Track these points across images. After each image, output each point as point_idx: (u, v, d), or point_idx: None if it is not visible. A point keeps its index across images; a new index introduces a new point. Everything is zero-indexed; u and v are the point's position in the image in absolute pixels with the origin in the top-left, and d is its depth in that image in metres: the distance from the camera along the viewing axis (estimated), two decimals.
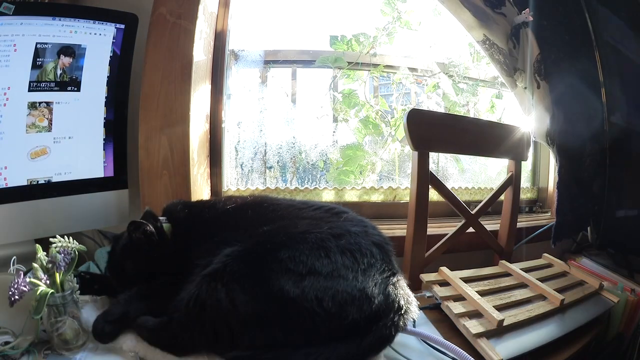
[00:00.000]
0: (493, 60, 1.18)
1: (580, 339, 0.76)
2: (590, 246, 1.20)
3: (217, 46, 1.09)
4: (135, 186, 0.90)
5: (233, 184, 1.21)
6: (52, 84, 0.76)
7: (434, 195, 0.96)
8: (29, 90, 0.74)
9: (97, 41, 0.81)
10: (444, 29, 1.46)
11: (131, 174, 0.91)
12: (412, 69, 1.44)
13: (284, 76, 1.33)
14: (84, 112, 0.82)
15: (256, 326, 0.48)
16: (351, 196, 1.24)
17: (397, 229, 1.06)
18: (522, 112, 1.23)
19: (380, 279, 0.53)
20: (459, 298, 0.76)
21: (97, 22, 0.80)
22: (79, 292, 0.55)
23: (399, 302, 0.54)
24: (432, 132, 0.93)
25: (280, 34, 1.34)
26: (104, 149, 0.85)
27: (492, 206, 1.05)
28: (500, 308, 0.71)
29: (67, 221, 0.82)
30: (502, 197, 1.07)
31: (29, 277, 0.48)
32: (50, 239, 0.54)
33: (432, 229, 0.98)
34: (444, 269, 0.86)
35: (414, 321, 0.66)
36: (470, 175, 1.54)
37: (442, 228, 1.10)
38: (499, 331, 0.67)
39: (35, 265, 0.50)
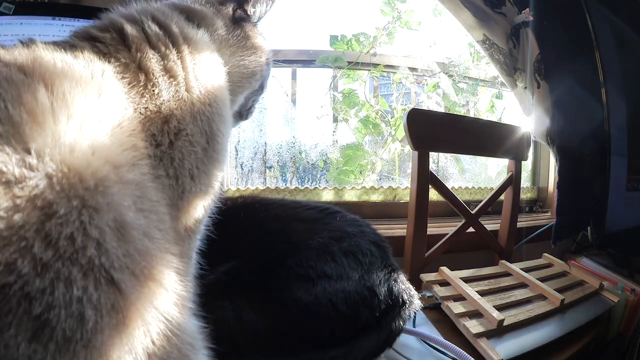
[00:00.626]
0: (493, 60, 1.18)
1: (580, 339, 0.76)
2: (590, 246, 1.20)
3: None
4: None
5: (233, 183, 1.21)
6: None
7: (434, 195, 0.96)
8: None
9: None
10: (444, 29, 1.47)
11: None
12: (412, 69, 1.44)
13: (284, 76, 1.33)
14: None
15: (268, 343, 0.45)
16: (351, 196, 1.24)
17: (397, 229, 1.06)
18: (522, 111, 1.23)
19: (382, 276, 0.54)
20: (459, 298, 0.76)
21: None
22: None
23: (402, 296, 0.54)
24: (432, 132, 0.92)
25: (280, 33, 1.34)
26: None
27: (492, 206, 1.05)
28: (500, 308, 0.71)
29: None
30: (502, 197, 1.07)
31: None
32: None
33: (432, 229, 0.97)
34: (444, 269, 0.86)
35: (414, 321, 0.67)
36: (470, 175, 1.54)
37: (442, 228, 1.10)
38: (499, 331, 0.67)
39: None
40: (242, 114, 0.58)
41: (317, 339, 0.47)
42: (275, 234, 0.57)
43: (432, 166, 0.97)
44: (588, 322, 0.79)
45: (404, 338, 0.61)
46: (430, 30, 1.47)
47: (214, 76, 0.40)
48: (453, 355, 0.58)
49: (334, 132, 1.37)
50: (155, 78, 0.34)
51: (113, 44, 0.35)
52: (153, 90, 0.34)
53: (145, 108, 0.33)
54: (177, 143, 0.34)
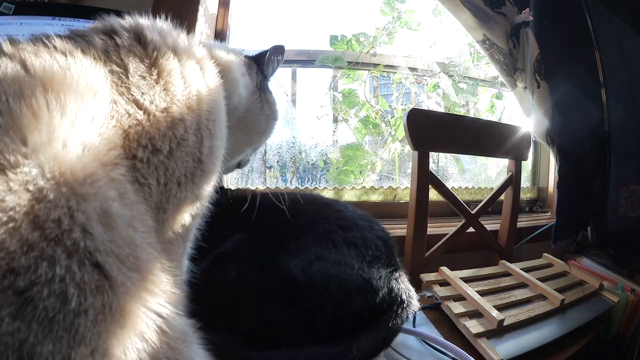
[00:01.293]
0: (493, 60, 1.18)
1: (580, 339, 0.76)
2: (590, 246, 1.20)
3: None
4: None
5: (233, 183, 1.21)
6: None
7: (434, 195, 0.96)
8: None
9: None
10: (444, 29, 1.47)
11: None
12: (412, 69, 1.44)
13: (284, 76, 1.33)
14: None
15: (262, 302, 0.49)
16: (351, 196, 1.23)
17: (397, 229, 1.06)
18: (522, 112, 1.23)
19: (384, 272, 0.55)
20: (459, 298, 0.76)
21: (97, 22, 0.80)
22: None
23: (401, 296, 0.55)
24: (432, 132, 0.93)
25: (280, 33, 1.34)
26: None
27: (492, 206, 1.05)
28: (500, 308, 0.71)
29: None
30: (502, 197, 1.07)
31: None
32: None
33: (432, 229, 0.98)
34: (444, 268, 0.86)
35: (414, 321, 0.66)
36: (470, 175, 1.54)
37: (442, 228, 1.10)
38: (499, 331, 0.67)
39: None
40: (240, 165, 0.63)
41: (305, 312, 0.49)
42: (285, 218, 0.59)
43: (432, 166, 0.97)
44: (588, 322, 0.79)
45: (404, 338, 0.61)
46: (430, 30, 1.47)
47: (217, 96, 0.42)
48: (453, 355, 0.58)
49: (334, 132, 1.37)
50: (171, 77, 0.36)
51: (128, 42, 0.36)
52: (165, 88, 0.35)
53: (151, 102, 0.34)
54: (177, 153, 0.35)
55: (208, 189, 0.41)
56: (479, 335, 0.65)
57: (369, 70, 1.38)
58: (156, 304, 0.28)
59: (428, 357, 0.60)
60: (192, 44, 0.42)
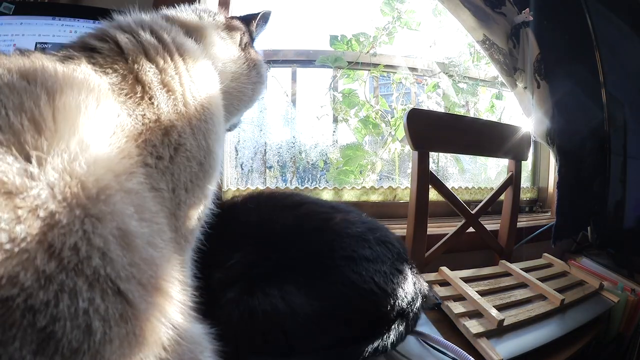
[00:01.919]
0: (493, 60, 1.18)
1: (580, 339, 0.76)
2: (590, 246, 1.20)
3: None
4: None
5: (233, 183, 1.21)
6: None
7: (434, 195, 0.96)
8: None
9: None
10: (444, 29, 1.47)
11: None
12: (412, 69, 1.44)
13: (284, 76, 1.33)
14: None
15: (318, 326, 0.47)
16: (351, 196, 1.23)
17: (397, 229, 1.06)
18: (522, 112, 1.23)
19: (406, 266, 0.57)
20: (459, 298, 0.76)
21: (97, 22, 0.80)
22: None
23: (421, 289, 0.58)
24: (432, 132, 0.92)
25: (280, 33, 1.34)
26: None
27: (492, 206, 1.05)
28: (500, 308, 0.71)
29: None
30: (502, 197, 1.07)
31: None
32: None
33: (432, 229, 0.98)
34: (444, 269, 0.86)
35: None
36: (470, 175, 1.54)
37: (442, 228, 1.10)
38: (499, 331, 0.67)
39: None
40: (231, 128, 0.60)
41: (361, 320, 0.49)
42: (315, 226, 0.59)
43: (432, 166, 0.96)
44: (588, 322, 0.79)
45: None
46: (430, 30, 1.47)
47: (211, 94, 0.41)
48: (453, 355, 0.58)
49: (334, 132, 1.37)
50: (153, 90, 0.35)
51: (110, 54, 0.35)
52: (151, 102, 0.34)
53: (143, 115, 0.33)
54: (177, 158, 0.34)
55: (212, 189, 0.41)
56: (479, 335, 0.65)
57: (369, 70, 1.38)
58: (176, 316, 0.28)
59: (428, 357, 0.60)
60: (167, 39, 0.39)
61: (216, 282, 0.50)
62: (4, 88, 0.24)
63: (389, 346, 0.50)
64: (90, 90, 0.29)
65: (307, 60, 1.35)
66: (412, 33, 1.41)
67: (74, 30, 0.78)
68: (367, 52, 1.35)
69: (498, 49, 1.15)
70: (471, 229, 1.01)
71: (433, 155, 1.29)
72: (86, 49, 0.35)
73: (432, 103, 1.48)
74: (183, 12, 0.49)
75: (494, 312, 0.68)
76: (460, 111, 1.47)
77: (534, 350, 0.66)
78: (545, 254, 1.05)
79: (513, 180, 1.06)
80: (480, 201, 1.06)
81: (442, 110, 1.46)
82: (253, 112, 1.26)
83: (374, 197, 1.26)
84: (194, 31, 0.45)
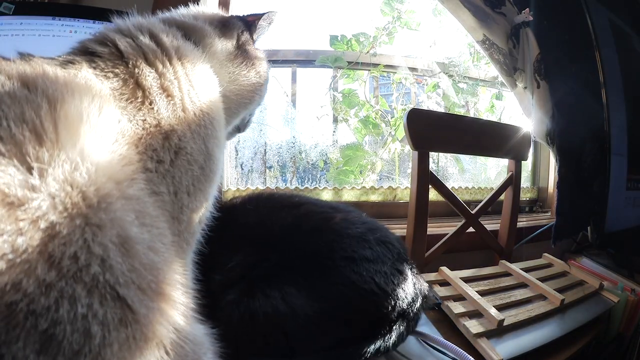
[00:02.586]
0: (493, 60, 1.18)
1: (580, 339, 0.76)
2: (590, 246, 1.20)
3: None
4: None
5: (233, 183, 1.21)
6: None
7: (434, 195, 0.96)
8: None
9: None
10: (444, 29, 1.47)
11: None
12: (412, 69, 1.44)
13: (284, 76, 1.33)
14: None
15: (319, 327, 0.47)
16: (350, 196, 1.23)
17: (397, 229, 1.06)
18: (522, 112, 1.23)
19: (406, 267, 0.57)
20: (459, 298, 0.76)
21: (97, 22, 0.80)
22: None
23: (421, 289, 0.57)
24: (432, 132, 0.92)
25: (280, 33, 1.34)
26: None
27: (492, 206, 1.05)
28: (500, 308, 0.71)
29: None
30: (502, 197, 1.07)
31: None
32: None
33: (432, 229, 0.98)
34: (444, 269, 0.86)
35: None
36: (470, 175, 1.54)
37: (442, 228, 1.10)
38: (499, 331, 0.67)
39: None
40: (241, 128, 0.59)
41: (362, 321, 0.49)
42: (316, 226, 0.58)
43: (432, 166, 0.96)
44: (588, 322, 0.79)
45: None
46: (430, 30, 1.47)
47: (210, 98, 0.41)
48: (453, 355, 0.58)
49: (334, 132, 1.37)
50: (153, 95, 0.35)
51: (111, 58, 0.35)
52: (151, 106, 0.34)
53: (143, 120, 0.33)
54: (177, 161, 0.35)
55: (213, 192, 0.41)
56: (479, 335, 0.65)
57: (369, 70, 1.38)
58: (178, 319, 0.28)
59: (428, 357, 0.60)
60: (166, 43, 0.39)
61: (216, 284, 0.50)
62: (5, 97, 0.24)
63: (390, 346, 0.50)
64: (92, 97, 0.29)
65: (307, 60, 1.35)
66: (412, 33, 1.41)
67: (74, 30, 0.78)
68: (367, 52, 1.35)
69: (498, 49, 1.15)
70: (471, 229, 1.01)
71: (433, 155, 1.29)
72: (87, 53, 0.35)
73: (432, 103, 1.48)
74: (181, 14, 0.49)
75: (494, 312, 0.68)
76: (460, 111, 1.47)
77: (534, 350, 0.66)
78: (545, 254, 1.05)
79: (513, 180, 1.06)
80: (480, 201, 1.06)
81: (442, 110, 1.46)
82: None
83: (374, 197, 1.26)
84: (192, 33, 0.45)
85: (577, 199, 1.15)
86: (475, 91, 1.49)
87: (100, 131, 0.28)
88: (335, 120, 1.37)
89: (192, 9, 0.52)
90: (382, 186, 1.28)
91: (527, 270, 0.91)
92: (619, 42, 1.24)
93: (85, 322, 0.22)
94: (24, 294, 0.20)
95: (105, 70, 0.34)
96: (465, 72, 1.46)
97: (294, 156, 1.32)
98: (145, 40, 0.38)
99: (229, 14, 0.55)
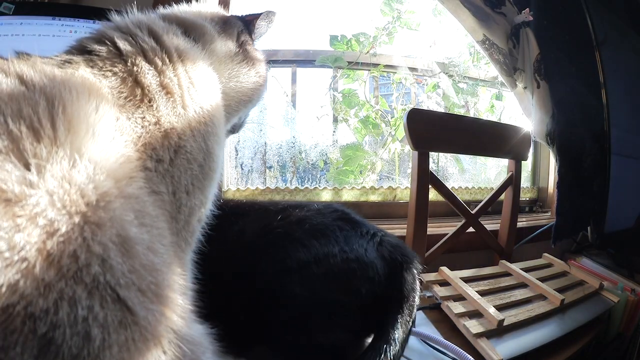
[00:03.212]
0: (493, 60, 1.18)
1: (580, 339, 0.76)
2: (590, 246, 1.20)
3: None
4: None
5: (233, 183, 1.21)
6: None
7: (434, 195, 0.96)
8: None
9: None
10: (444, 29, 1.47)
11: None
12: (412, 69, 1.44)
13: (284, 76, 1.33)
14: None
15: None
16: (350, 196, 1.24)
17: (397, 229, 1.06)
18: (522, 112, 1.23)
19: (364, 243, 0.50)
20: (459, 298, 0.76)
21: (97, 22, 0.80)
22: None
23: (396, 258, 0.52)
24: (432, 132, 0.92)
25: (280, 33, 1.34)
26: None
27: (492, 206, 1.05)
28: (500, 308, 0.71)
29: None
30: (502, 197, 1.07)
31: None
32: None
33: (432, 229, 0.97)
34: (444, 269, 0.86)
35: (414, 321, 0.66)
36: (470, 175, 1.54)
37: (442, 228, 1.10)
38: (499, 331, 0.67)
39: None
40: (235, 128, 0.58)
41: (331, 331, 0.45)
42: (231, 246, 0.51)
43: (432, 166, 0.96)
44: (588, 322, 0.79)
45: None
46: (430, 30, 1.47)
47: (210, 95, 0.40)
48: (453, 355, 0.58)
49: (334, 132, 1.37)
50: (152, 93, 0.34)
51: (109, 57, 0.35)
52: (150, 104, 0.34)
53: (142, 118, 0.33)
54: (177, 160, 0.34)
55: (212, 191, 0.40)
56: (479, 335, 0.65)
57: (369, 70, 1.38)
58: (176, 321, 0.28)
59: (428, 357, 0.60)
60: (165, 40, 0.39)
61: None
62: (2, 94, 0.24)
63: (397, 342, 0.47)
64: (89, 95, 0.29)
65: (307, 60, 1.35)
66: (412, 33, 1.41)
67: (74, 30, 0.78)
68: (367, 52, 1.35)
69: (498, 49, 1.15)
70: (471, 229, 1.01)
71: (433, 155, 1.29)
72: (84, 52, 0.35)
73: (432, 103, 1.47)
74: (181, 11, 0.48)
75: (493, 312, 0.68)
76: (460, 111, 1.47)
77: (534, 350, 0.66)
78: (545, 254, 1.05)
79: (513, 180, 1.06)
80: (480, 201, 1.06)
81: (442, 110, 1.45)
82: (253, 112, 1.26)
83: (374, 197, 1.26)
84: (192, 30, 0.44)
85: (577, 199, 1.15)
86: (475, 91, 1.49)
87: (99, 129, 0.28)
88: (335, 120, 1.37)
89: (193, 5, 0.51)
90: (382, 186, 1.28)
91: (527, 270, 0.91)
92: (619, 42, 1.24)
93: (86, 324, 0.21)
94: (21, 296, 0.19)
95: (104, 69, 0.34)
96: (465, 72, 1.46)
97: (294, 156, 1.32)
98: (144, 37, 0.38)
99: (231, 14, 0.55)
